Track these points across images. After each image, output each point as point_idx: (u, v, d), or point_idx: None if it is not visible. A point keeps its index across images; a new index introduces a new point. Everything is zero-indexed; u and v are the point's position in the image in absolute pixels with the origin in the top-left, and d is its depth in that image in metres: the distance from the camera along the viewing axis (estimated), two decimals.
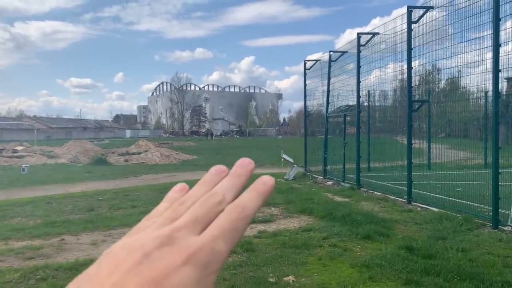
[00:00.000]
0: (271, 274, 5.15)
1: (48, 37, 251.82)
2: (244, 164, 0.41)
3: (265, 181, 0.40)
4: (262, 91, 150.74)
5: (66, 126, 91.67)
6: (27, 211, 9.35)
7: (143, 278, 0.32)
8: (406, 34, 9.99)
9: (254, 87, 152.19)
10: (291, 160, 15.21)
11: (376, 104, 15.19)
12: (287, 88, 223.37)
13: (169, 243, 0.34)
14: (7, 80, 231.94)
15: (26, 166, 18.00)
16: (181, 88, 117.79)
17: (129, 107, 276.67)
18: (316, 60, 16.00)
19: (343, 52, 13.96)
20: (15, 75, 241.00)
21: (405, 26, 10.07)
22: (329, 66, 14.64)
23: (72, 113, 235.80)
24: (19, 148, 29.11)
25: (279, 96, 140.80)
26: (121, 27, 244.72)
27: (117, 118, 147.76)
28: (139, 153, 25.54)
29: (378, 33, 11.94)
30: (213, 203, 0.38)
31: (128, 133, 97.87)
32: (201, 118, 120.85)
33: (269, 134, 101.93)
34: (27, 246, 6.47)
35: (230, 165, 0.43)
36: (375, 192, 11.28)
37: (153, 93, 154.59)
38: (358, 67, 12.32)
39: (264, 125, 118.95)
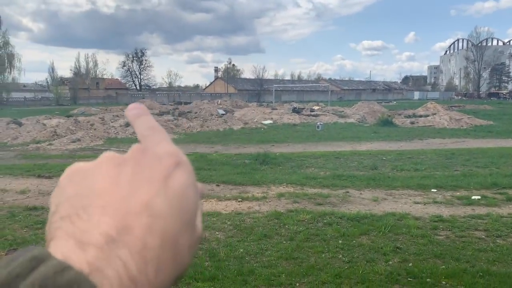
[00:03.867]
0: None
1: (344, 3, 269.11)
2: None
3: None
4: None
5: (357, 88, 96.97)
6: (319, 163, 10.56)
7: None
8: None
9: None
10: None
11: None
12: None
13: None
14: (308, 47, 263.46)
15: (320, 124, 20.20)
16: (479, 44, 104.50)
17: (419, 67, 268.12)
18: None
19: None
20: (315, 42, 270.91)
21: None
22: None
23: (363, 75, 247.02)
24: (315, 107, 32.93)
25: None
26: None
27: (405, 79, 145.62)
28: (427, 115, 24.44)
29: None
30: None
31: (416, 95, 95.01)
32: (503, 78, 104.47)
33: None
34: (318, 193, 7.34)
35: None
36: None
37: (446, 51, 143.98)
38: None
39: None
